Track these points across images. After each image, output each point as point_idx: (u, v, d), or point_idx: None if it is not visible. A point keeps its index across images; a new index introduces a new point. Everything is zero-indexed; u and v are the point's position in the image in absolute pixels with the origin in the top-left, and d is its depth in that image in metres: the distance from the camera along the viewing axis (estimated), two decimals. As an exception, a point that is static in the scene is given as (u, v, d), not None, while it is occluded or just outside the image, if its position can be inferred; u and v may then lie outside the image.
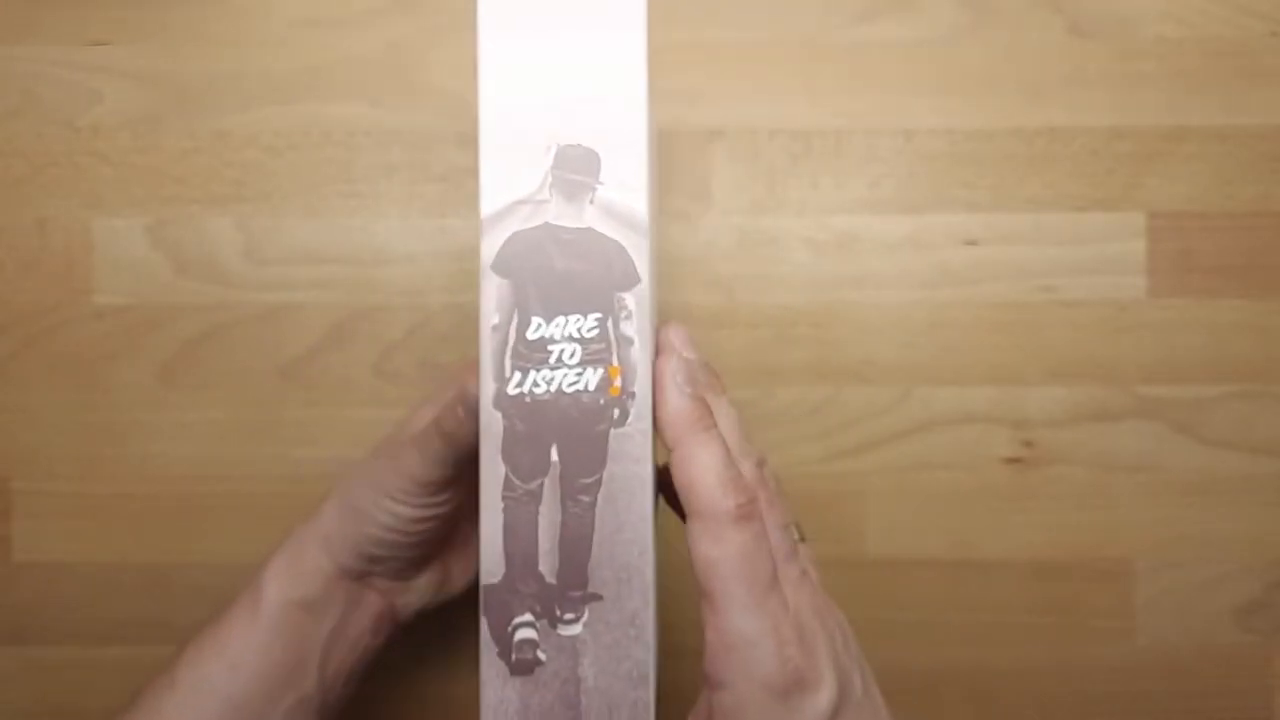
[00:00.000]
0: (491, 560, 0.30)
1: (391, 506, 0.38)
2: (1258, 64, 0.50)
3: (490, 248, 0.31)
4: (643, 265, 0.31)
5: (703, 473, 0.30)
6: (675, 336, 0.33)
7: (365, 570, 0.40)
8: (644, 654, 0.31)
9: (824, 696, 0.29)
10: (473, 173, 0.50)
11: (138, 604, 0.50)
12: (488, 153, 0.31)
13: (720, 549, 0.29)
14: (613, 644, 0.30)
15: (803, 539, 0.34)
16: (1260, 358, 0.51)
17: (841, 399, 0.50)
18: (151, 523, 0.50)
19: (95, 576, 0.50)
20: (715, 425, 0.31)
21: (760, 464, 0.32)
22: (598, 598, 0.30)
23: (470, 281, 0.48)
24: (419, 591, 0.42)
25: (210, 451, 0.50)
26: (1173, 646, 0.51)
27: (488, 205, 0.31)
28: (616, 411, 0.31)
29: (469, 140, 0.50)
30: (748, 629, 0.29)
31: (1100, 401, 0.51)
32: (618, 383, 0.31)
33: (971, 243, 0.50)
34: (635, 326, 0.31)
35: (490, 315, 0.31)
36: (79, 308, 0.50)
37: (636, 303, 0.31)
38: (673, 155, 0.51)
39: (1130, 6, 0.50)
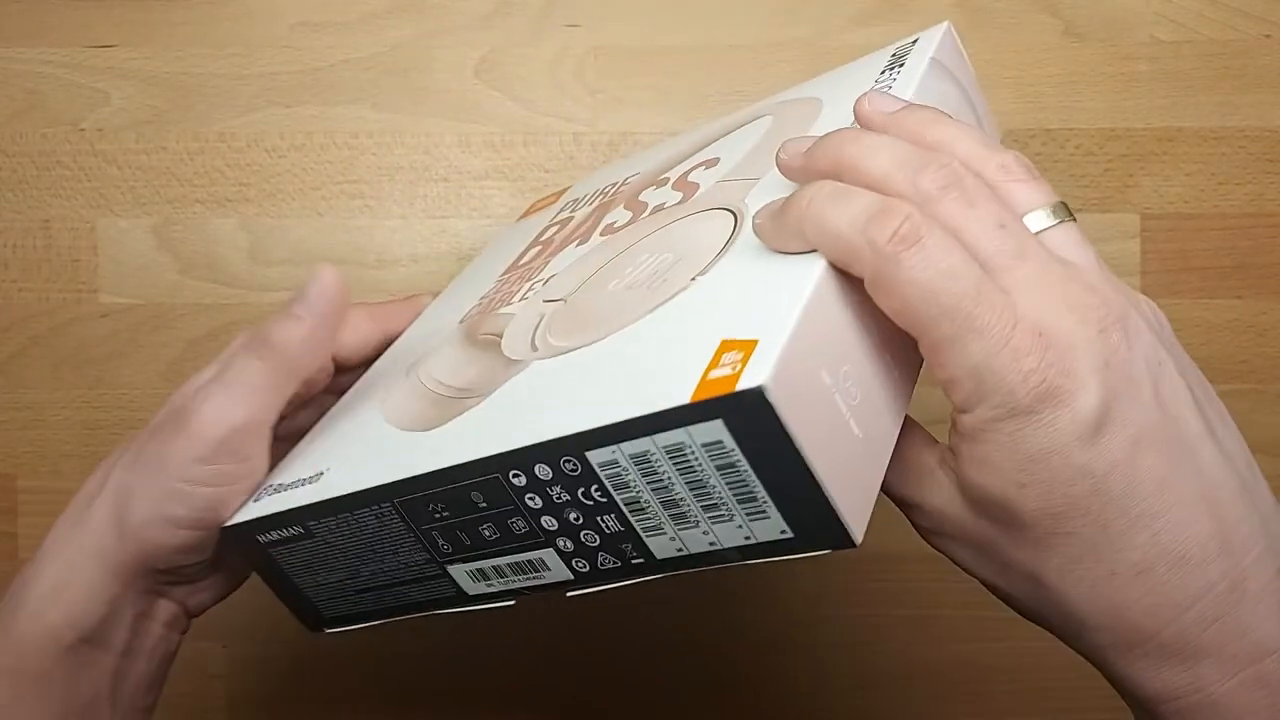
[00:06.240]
0: None
1: (187, 492, 0.32)
2: (1251, 66, 0.51)
3: None
4: None
5: (837, 224, 0.25)
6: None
7: (158, 586, 0.34)
8: None
9: (1084, 404, 0.24)
10: (474, 174, 0.51)
11: (142, 601, 0.51)
12: None
13: (896, 297, 0.24)
14: None
15: (1066, 219, 0.27)
16: (1254, 357, 0.51)
17: (839, 398, 0.51)
18: (156, 520, 0.51)
19: (100, 573, 0.51)
20: (827, 184, 0.26)
21: (945, 165, 0.26)
22: None
23: (472, 281, 0.48)
24: (219, 584, 0.37)
25: (214, 450, 0.51)
26: (1167, 643, 0.52)
27: None
28: None
29: (470, 142, 0.51)
30: (967, 359, 0.24)
31: (1095, 400, 0.51)
32: None
33: (967, 243, 0.51)
34: None
35: None
36: (84, 307, 0.51)
37: None
38: (672, 156, 0.51)
39: (1125, 9, 0.51)
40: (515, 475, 0.27)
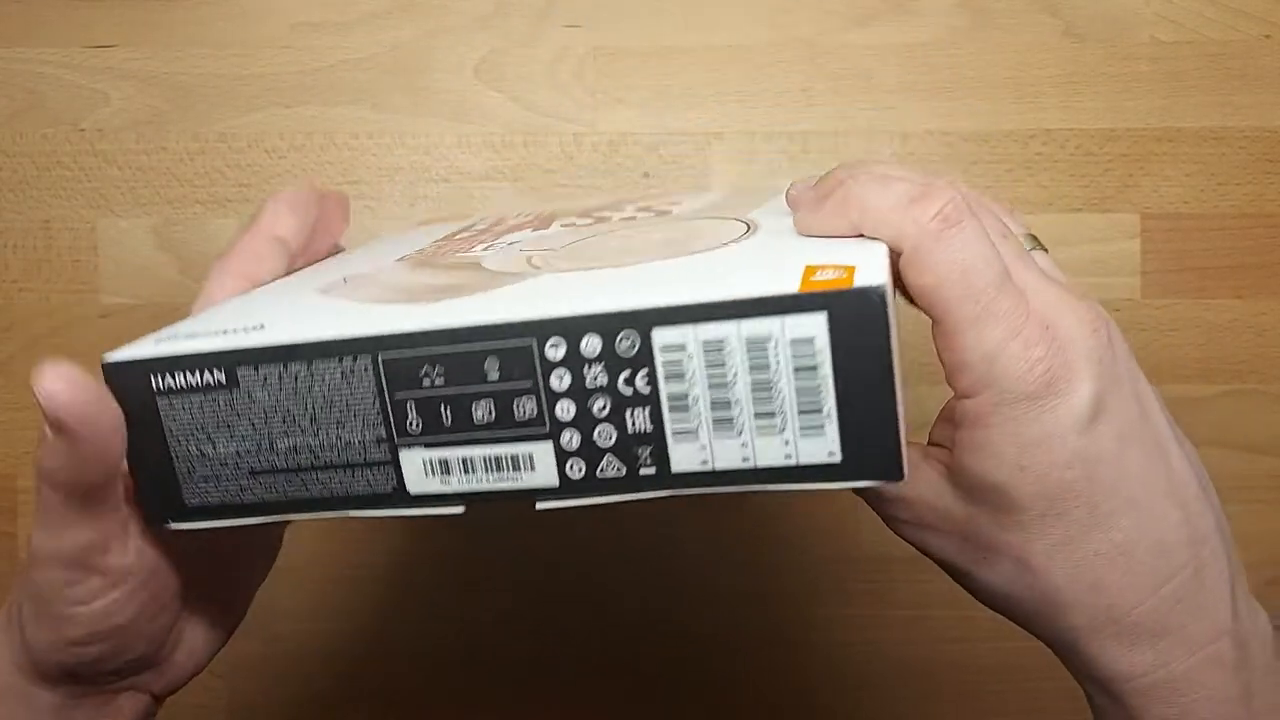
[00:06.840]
0: None
1: (68, 613, 0.28)
2: (1250, 66, 0.51)
3: None
4: None
5: (881, 201, 0.26)
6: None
7: (106, 688, 0.31)
8: None
9: (1081, 395, 0.26)
10: (474, 175, 0.51)
11: (143, 600, 0.51)
12: None
13: (931, 272, 0.25)
14: None
15: (1039, 248, 0.30)
16: (1252, 357, 0.51)
17: (838, 398, 0.51)
18: (157, 520, 0.51)
19: (101, 573, 0.51)
20: (868, 173, 0.27)
21: (950, 184, 0.27)
22: None
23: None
24: (189, 659, 0.33)
25: (215, 449, 0.51)
26: (1165, 642, 0.52)
27: None
28: None
29: (470, 142, 0.51)
30: (982, 343, 0.25)
31: (1094, 400, 0.51)
32: None
33: (967, 243, 0.51)
34: None
35: None
36: (85, 308, 0.51)
37: None
38: (672, 156, 0.51)
39: (1125, 9, 0.51)
40: (554, 345, 0.24)
